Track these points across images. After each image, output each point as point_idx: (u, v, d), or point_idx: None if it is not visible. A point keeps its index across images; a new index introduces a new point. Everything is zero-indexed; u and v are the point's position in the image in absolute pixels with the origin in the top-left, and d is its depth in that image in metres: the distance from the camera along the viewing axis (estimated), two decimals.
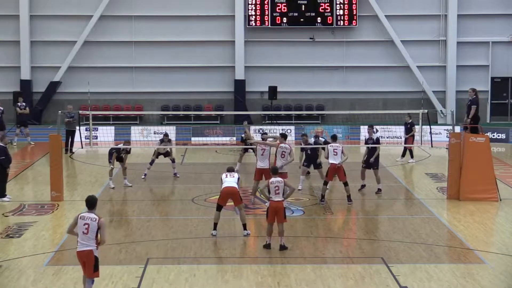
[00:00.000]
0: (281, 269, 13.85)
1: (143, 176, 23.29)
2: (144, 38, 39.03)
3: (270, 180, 15.33)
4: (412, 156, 27.00)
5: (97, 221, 11.53)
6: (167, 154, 23.58)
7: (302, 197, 20.53)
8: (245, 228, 16.19)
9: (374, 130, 21.86)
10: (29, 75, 38.67)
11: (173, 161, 23.70)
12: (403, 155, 27.26)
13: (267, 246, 15.08)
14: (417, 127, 26.26)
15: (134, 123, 37.73)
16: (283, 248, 15.06)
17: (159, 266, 13.93)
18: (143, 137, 33.63)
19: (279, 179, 15.38)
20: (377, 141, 21.34)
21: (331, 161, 19.46)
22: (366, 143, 21.42)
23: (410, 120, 26.95)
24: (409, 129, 26.98)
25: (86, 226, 11.50)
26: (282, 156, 18.96)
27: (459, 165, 19.90)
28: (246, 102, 39.03)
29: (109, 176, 22.05)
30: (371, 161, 20.85)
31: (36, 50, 38.93)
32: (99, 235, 11.57)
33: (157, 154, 23.50)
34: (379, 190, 20.98)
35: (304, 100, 39.57)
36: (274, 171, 15.74)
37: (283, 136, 19.56)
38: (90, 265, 11.55)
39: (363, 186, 21.28)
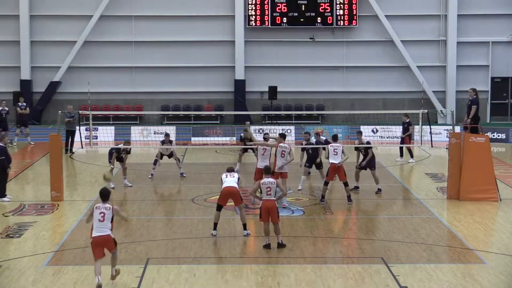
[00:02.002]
0: (281, 269, 13.85)
1: (150, 176, 23.33)
2: (144, 38, 39.05)
3: (262, 181, 15.34)
4: (412, 156, 26.99)
5: (111, 209, 12.90)
6: (171, 155, 23.61)
7: (302, 197, 20.52)
8: (245, 228, 16.19)
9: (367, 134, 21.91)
10: (29, 75, 38.69)
11: (178, 161, 23.72)
12: (401, 154, 27.27)
13: (267, 246, 15.08)
14: (416, 127, 26.26)
15: (134, 123, 37.76)
16: (281, 245, 15.08)
17: (159, 266, 13.92)
18: (143, 137, 33.62)
19: (271, 180, 15.39)
20: (368, 144, 21.44)
21: (331, 161, 19.47)
22: (357, 148, 21.38)
23: (408, 120, 26.94)
24: (406, 129, 26.98)
25: (102, 214, 12.86)
26: (282, 155, 18.97)
27: (459, 165, 19.90)
28: (246, 102, 39.04)
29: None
30: (362, 164, 21.00)
31: (36, 50, 38.95)
32: (113, 221, 12.97)
33: (161, 154, 23.53)
34: (379, 190, 20.99)
35: (304, 100, 39.59)
36: (267, 170, 15.74)
37: (282, 136, 19.60)
38: (111, 245, 12.92)
39: (356, 187, 21.29)
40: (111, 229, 12.94)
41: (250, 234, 16.13)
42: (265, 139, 20.36)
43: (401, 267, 13.89)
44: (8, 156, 19.95)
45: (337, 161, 19.39)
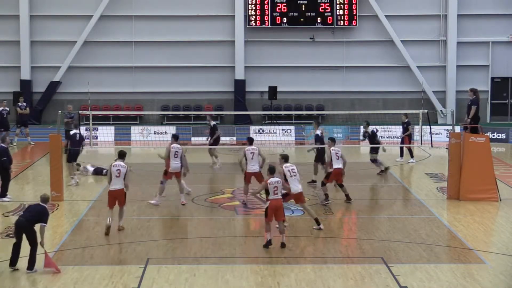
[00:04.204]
0: (281, 269, 13.85)
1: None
2: (144, 38, 39.05)
3: (269, 181, 15.29)
4: (412, 156, 26.96)
5: (126, 168, 16.23)
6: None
7: None
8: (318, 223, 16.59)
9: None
10: (29, 75, 38.68)
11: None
12: (401, 154, 27.25)
13: (267, 246, 15.07)
14: (416, 127, 26.25)
15: (134, 123, 37.75)
16: (284, 246, 15.08)
17: (159, 266, 13.92)
18: (143, 137, 33.61)
19: (278, 179, 15.37)
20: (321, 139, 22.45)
21: (335, 166, 19.22)
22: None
23: (407, 120, 26.88)
24: (405, 129, 26.95)
25: (119, 171, 16.17)
26: (175, 156, 19.26)
27: (459, 165, 19.89)
28: (246, 102, 39.04)
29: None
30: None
31: (36, 50, 38.95)
32: (125, 178, 16.15)
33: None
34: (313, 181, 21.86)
35: (304, 100, 39.58)
36: (272, 171, 15.70)
37: (175, 137, 19.90)
38: (122, 199, 16.32)
39: (313, 181, 21.93)
40: (126, 186, 16.17)
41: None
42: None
43: (401, 267, 13.89)
44: (9, 157, 19.96)
45: (340, 166, 19.24)
